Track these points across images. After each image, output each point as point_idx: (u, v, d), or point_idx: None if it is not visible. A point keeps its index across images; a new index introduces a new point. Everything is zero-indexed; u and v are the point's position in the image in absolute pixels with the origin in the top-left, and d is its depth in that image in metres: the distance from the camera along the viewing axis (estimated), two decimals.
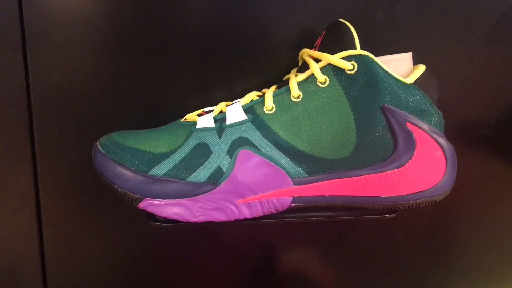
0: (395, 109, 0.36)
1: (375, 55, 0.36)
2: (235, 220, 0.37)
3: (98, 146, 0.38)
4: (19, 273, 0.48)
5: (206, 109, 0.41)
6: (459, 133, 0.47)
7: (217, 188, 0.36)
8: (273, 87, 0.39)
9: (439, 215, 0.49)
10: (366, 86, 0.36)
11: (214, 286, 0.49)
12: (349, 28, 0.36)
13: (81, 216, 0.47)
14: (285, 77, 0.41)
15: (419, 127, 0.37)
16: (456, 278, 0.51)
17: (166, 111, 0.45)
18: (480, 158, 0.48)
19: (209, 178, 0.36)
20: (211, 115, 0.39)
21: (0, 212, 0.47)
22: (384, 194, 0.37)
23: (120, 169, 0.37)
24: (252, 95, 0.39)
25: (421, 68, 0.38)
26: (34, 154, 0.46)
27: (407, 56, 0.38)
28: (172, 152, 0.37)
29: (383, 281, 0.51)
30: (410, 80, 0.37)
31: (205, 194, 0.36)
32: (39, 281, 0.48)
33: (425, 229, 0.50)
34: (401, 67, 0.38)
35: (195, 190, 0.36)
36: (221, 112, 0.39)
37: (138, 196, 0.36)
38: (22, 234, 0.47)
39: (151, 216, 0.37)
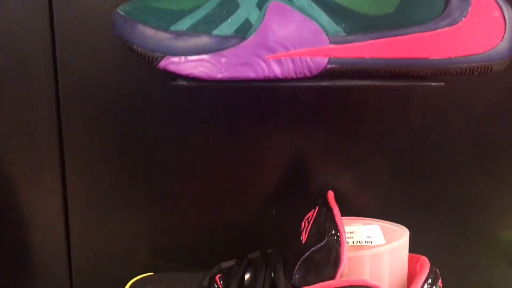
0: None
1: None
2: (265, 78, 0.33)
3: (118, 10, 0.35)
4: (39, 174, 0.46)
5: None
6: None
7: (245, 41, 0.32)
8: None
9: (490, 118, 0.44)
10: None
11: (236, 152, 0.46)
12: None
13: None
14: None
15: None
16: (503, 191, 0.46)
17: None
18: None
19: (236, 31, 0.32)
20: None
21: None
22: (433, 55, 0.33)
23: (139, 27, 0.34)
24: None
25: None
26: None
27: None
28: (196, 8, 0.33)
29: (418, 176, 0.46)
30: None
31: (232, 48, 0.32)
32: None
33: (472, 134, 0.45)
34: None
35: (220, 44, 0.32)
36: None
37: (159, 54, 0.33)
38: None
39: (173, 77, 0.34)
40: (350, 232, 0.38)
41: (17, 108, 0.44)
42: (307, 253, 0.36)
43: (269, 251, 0.42)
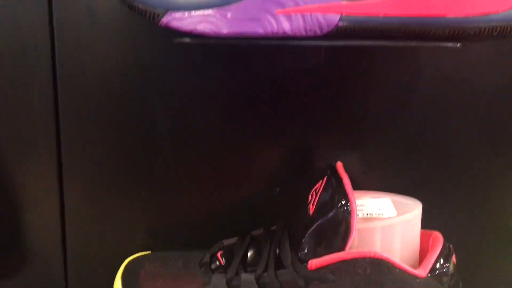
0: None
1: None
2: (273, 34, 0.31)
3: None
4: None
5: None
6: None
7: None
8: None
9: (506, 89, 0.43)
10: None
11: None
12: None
13: None
14: None
15: None
16: None
17: None
18: None
19: None
20: None
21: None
22: (450, 14, 0.31)
23: None
24: None
25: None
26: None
27: None
28: None
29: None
30: None
31: (238, 2, 0.31)
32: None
33: (487, 106, 0.43)
34: None
35: None
36: None
37: (161, 10, 0.31)
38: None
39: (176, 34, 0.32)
40: (360, 205, 0.36)
41: (11, 75, 0.42)
42: (315, 225, 0.34)
43: (274, 227, 0.41)
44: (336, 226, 0.33)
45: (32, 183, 0.44)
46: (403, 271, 0.33)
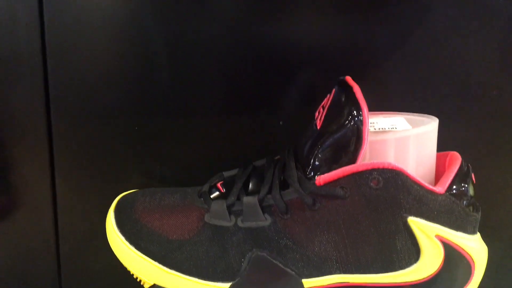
0: None
1: None
2: None
3: None
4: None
5: None
6: None
7: None
8: None
9: None
10: None
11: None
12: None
13: None
14: None
15: None
16: None
17: None
18: None
19: None
20: None
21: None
22: None
23: None
24: None
25: None
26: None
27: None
28: None
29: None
30: None
31: None
32: None
33: (507, 35, 0.40)
34: None
35: None
36: None
37: None
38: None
39: None
40: (372, 122, 0.34)
41: None
42: (323, 139, 0.31)
43: (277, 157, 0.38)
44: (347, 138, 0.31)
45: (18, 116, 0.42)
46: (419, 185, 0.30)
